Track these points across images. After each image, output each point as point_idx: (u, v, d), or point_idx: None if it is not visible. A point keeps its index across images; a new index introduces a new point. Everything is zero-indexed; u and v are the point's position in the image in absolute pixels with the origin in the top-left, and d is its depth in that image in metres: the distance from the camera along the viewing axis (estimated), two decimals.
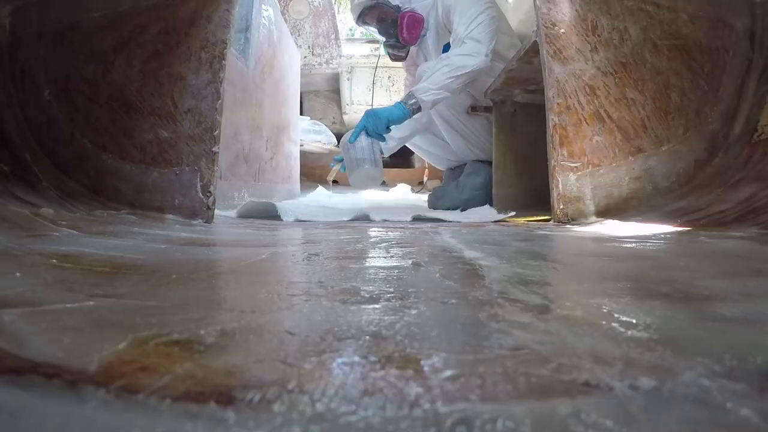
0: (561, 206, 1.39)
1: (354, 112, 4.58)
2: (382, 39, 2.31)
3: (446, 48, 2.12)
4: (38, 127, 1.35)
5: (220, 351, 0.33)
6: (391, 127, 2.02)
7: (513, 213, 1.68)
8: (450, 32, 2.09)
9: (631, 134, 1.43)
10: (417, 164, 4.55)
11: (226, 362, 0.31)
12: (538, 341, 0.35)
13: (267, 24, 2.35)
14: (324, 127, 4.34)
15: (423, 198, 3.29)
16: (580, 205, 1.39)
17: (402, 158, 4.81)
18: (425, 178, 4.18)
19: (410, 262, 0.70)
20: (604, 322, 0.39)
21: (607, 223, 1.29)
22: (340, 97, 4.71)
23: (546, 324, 0.39)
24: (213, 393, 0.26)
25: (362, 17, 2.26)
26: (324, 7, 4.69)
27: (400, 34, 2.17)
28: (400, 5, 2.17)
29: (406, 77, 2.65)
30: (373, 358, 0.32)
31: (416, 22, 2.17)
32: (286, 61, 2.87)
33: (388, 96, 4.48)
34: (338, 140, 4.42)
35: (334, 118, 4.91)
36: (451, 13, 2.07)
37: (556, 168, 1.40)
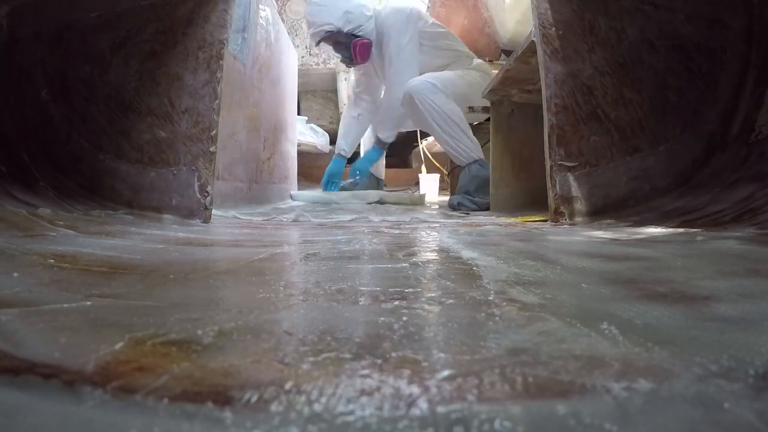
0: (558, 206, 1.39)
1: None
2: (338, 56, 3.09)
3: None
4: (35, 127, 1.35)
5: (218, 351, 0.33)
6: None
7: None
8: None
9: (628, 134, 1.44)
10: (415, 164, 4.54)
11: (223, 362, 0.31)
12: (535, 342, 0.35)
13: (264, 24, 2.35)
14: (321, 130, 4.34)
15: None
16: (578, 205, 1.39)
17: (399, 158, 4.81)
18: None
19: (408, 262, 0.70)
20: (601, 323, 0.39)
21: (605, 223, 1.29)
22: (337, 96, 4.70)
23: (543, 324, 0.39)
24: (210, 393, 0.26)
25: (320, 42, 2.95)
26: None
27: (354, 58, 2.91)
28: (352, 32, 2.83)
29: (354, 72, 3.29)
30: (370, 359, 0.32)
31: (366, 48, 2.90)
32: (284, 61, 2.86)
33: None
34: (335, 141, 4.43)
35: (331, 117, 4.91)
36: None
37: (554, 168, 1.40)
